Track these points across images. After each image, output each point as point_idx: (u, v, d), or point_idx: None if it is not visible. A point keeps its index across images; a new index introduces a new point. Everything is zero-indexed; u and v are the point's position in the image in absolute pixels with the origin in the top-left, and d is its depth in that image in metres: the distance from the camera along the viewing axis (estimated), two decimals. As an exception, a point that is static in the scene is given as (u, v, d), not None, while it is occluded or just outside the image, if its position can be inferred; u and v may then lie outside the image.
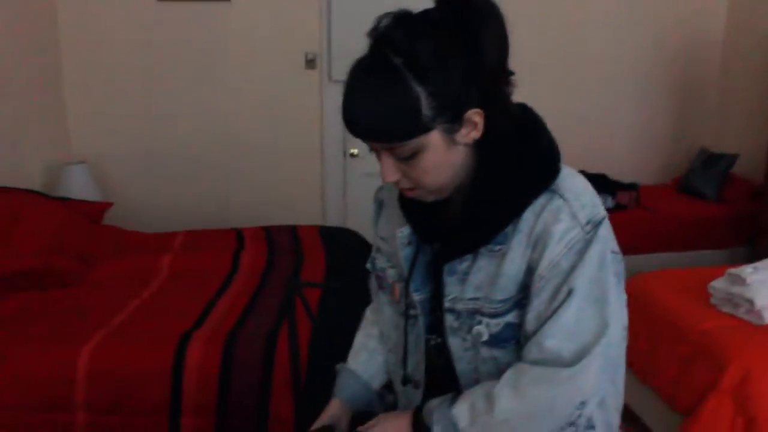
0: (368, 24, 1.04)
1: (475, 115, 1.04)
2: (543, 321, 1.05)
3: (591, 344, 1.03)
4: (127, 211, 4.12)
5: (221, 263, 3.04)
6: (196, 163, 4.35)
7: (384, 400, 1.38)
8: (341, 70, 1.07)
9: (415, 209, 1.19)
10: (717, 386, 2.35)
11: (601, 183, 4.50)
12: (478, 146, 1.09)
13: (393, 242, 1.24)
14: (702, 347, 2.50)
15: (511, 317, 1.10)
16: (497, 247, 1.09)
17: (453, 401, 1.11)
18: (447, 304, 1.15)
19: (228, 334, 2.29)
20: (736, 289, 2.58)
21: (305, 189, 4.51)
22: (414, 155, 1.04)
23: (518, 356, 1.10)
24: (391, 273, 1.27)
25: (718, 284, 2.68)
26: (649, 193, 4.66)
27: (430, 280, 1.19)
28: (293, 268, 2.98)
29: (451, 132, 1.04)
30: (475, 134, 1.06)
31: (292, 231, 3.53)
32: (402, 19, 1.02)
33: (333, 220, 4.46)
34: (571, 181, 1.11)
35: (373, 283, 1.43)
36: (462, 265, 1.13)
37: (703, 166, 4.71)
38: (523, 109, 1.15)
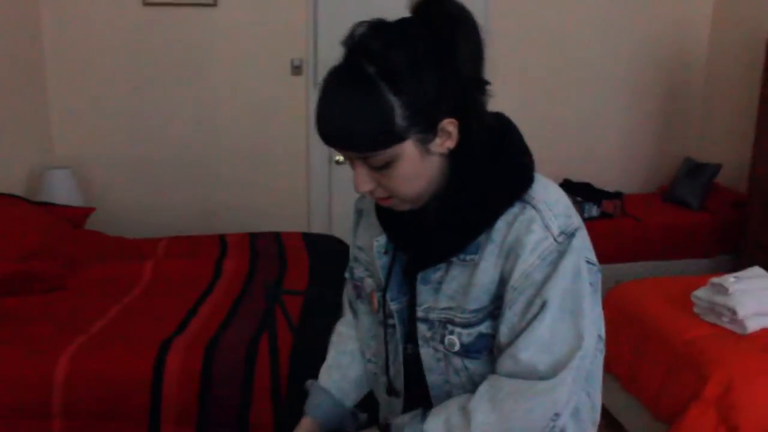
0: (355, 31, 1.04)
1: (450, 125, 1.04)
2: (517, 333, 1.04)
3: (566, 357, 1.03)
4: (111, 217, 4.09)
5: (204, 270, 3.02)
6: (181, 169, 4.32)
7: (356, 418, 1.36)
8: (328, 77, 1.05)
9: (390, 218, 1.18)
10: (700, 395, 2.36)
11: (586, 191, 4.52)
12: (453, 155, 1.08)
13: (371, 251, 1.23)
14: (685, 356, 2.51)
15: (483, 328, 1.09)
16: (469, 257, 1.09)
17: (424, 417, 1.09)
18: (420, 314, 1.14)
19: (209, 341, 2.27)
20: (719, 299, 2.59)
21: (290, 195, 4.49)
22: (388, 165, 1.04)
23: (491, 368, 1.09)
24: (369, 282, 1.26)
25: (701, 294, 2.68)
26: (635, 202, 4.68)
27: (407, 290, 1.18)
28: (276, 275, 2.97)
29: (425, 142, 1.03)
30: (450, 144, 1.06)
31: (276, 238, 3.51)
32: (377, 28, 1.01)
33: (318, 227, 4.45)
34: (545, 191, 1.09)
35: (346, 295, 1.42)
36: (435, 275, 1.12)
37: (687, 175, 4.74)
38: (499, 118, 1.14)
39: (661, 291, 2.97)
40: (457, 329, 1.10)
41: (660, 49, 4.94)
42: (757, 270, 2.77)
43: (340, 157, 4.34)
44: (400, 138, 1.01)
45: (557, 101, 4.82)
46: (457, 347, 1.11)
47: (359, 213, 1.34)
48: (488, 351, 1.10)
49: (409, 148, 1.02)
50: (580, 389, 1.11)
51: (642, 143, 5.10)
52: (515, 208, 1.07)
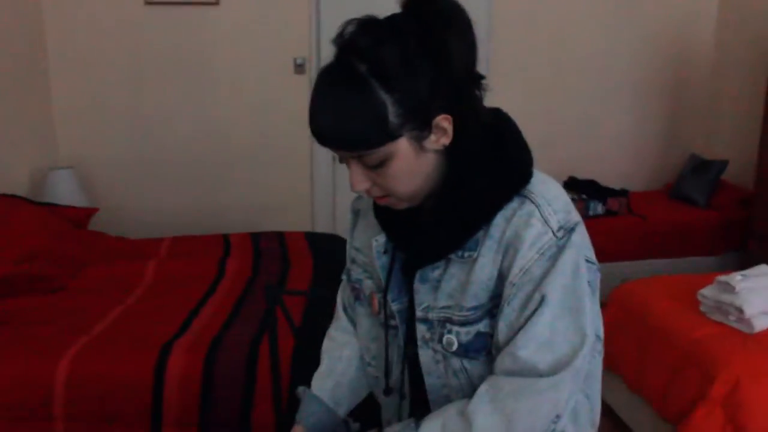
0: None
1: (444, 121, 1.02)
2: (515, 330, 1.02)
3: (568, 356, 1.01)
4: (114, 217, 4.08)
5: (207, 270, 3.01)
6: (184, 169, 4.32)
7: (349, 428, 1.34)
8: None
9: (389, 216, 1.16)
10: (707, 395, 2.34)
11: (591, 189, 4.49)
12: (449, 152, 1.06)
13: (369, 252, 1.21)
14: (692, 355, 2.49)
15: (482, 326, 1.07)
16: (468, 254, 1.07)
17: (418, 425, 1.07)
18: (419, 314, 1.13)
19: (210, 342, 2.26)
20: (726, 297, 2.56)
21: (294, 194, 4.48)
22: (382, 163, 1.02)
23: (490, 369, 1.07)
24: (368, 284, 1.25)
25: (708, 292, 2.66)
26: (640, 199, 4.65)
27: (407, 289, 1.17)
28: (279, 275, 2.95)
29: (419, 139, 1.02)
30: (445, 140, 1.04)
31: (280, 237, 3.50)
32: (367, 25, 1.00)
33: (322, 226, 4.43)
34: (544, 186, 1.08)
35: (341, 298, 1.40)
36: (434, 273, 1.11)
37: (693, 172, 4.70)
38: (497, 113, 1.12)
39: (667, 289, 2.94)
40: (456, 328, 1.09)
41: (666, 45, 4.91)
42: (764, 268, 2.74)
43: (342, 156, 4.36)
44: (394, 136, 0.99)
45: (562, 99, 4.79)
46: (455, 346, 1.09)
47: (356, 214, 1.33)
48: (487, 351, 1.08)
49: (403, 145, 1.01)
50: (578, 390, 1.09)
51: (647, 140, 5.07)
52: (514, 203, 1.05)
